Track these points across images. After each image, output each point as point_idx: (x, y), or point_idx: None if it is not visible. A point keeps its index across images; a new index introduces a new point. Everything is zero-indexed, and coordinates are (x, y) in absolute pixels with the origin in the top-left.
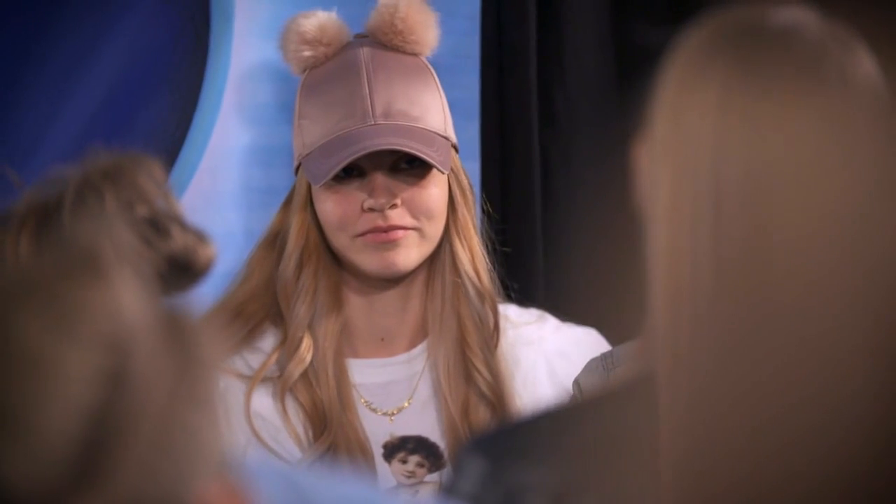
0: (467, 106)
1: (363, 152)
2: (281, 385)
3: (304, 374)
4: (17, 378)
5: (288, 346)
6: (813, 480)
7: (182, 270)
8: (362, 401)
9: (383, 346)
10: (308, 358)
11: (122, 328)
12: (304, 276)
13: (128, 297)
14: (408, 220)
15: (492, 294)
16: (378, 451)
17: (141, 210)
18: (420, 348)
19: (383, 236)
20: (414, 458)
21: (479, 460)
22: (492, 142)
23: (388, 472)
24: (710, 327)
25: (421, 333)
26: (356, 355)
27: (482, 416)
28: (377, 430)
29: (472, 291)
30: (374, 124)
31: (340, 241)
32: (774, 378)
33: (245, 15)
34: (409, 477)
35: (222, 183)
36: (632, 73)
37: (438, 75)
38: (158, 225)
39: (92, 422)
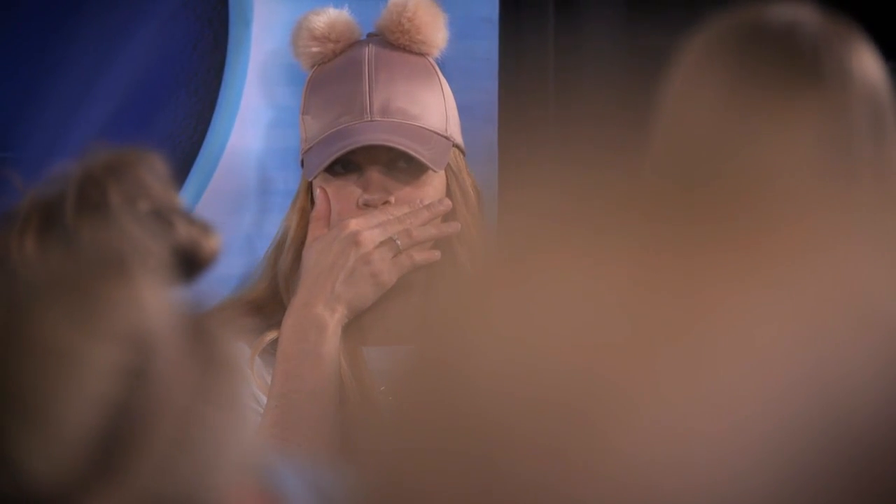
0: (486, 109)
1: (351, 147)
2: None
3: None
4: (38, 370)
5: None
6: None
7: (187, 262)
8: (376, 385)
9: (389, 335)
10: None
11: (146, 326)
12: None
13: (152, 296)
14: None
15: None
16: None
17: (144, 203)
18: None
19: None
20: None
21: None
22: (510, 145)
23: None
24: None
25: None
26: (365, 342)
27: None
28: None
29: None
30: (371, 120)
31: None
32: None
33: (263, 18)
34: None
35: (240, 185)
36: (649, 76)
37: (457, 78)
38: (163, 217)
39: (112, 416)
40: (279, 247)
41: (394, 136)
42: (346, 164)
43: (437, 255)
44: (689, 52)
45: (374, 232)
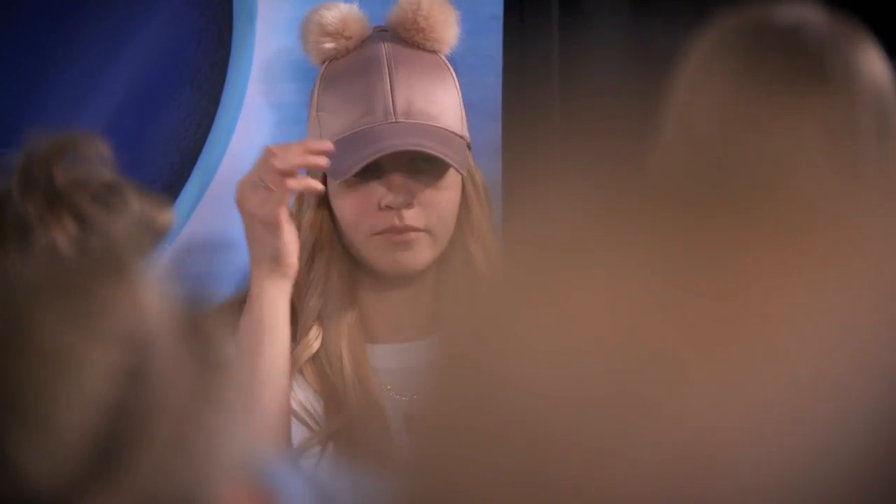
0: (490, 106)
1: (388, 151)
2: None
3: (316, 361)
4: (36, 371)
5: (299, 336)
6: None
7: (142, 235)
8: (382, 384)
9: (397, 333)
10: (315, 345)
11: (144, 327)
12: (315, 268)
13: (151, 296)
14: (422, 222)
15: None
16: (401, 421)
17: (94, 182)
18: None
19: (398, 237)
20: None
21: None
22: (514, 142)
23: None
24: None
25: (433, 324)
26: (372, 341)
27: None
28: (396, 411)
29: None
30: (395, 122)
31: (356, 238)
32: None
33: (267, 14)
34: None
35: None
36: (654, 73)
37: (461, 74)
38: (115, 193)
39: (110, 418)
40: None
41: (423, 140)
42: (366, 166)
43: (317, 184)
44: (695, 51)
45: (244, 184)
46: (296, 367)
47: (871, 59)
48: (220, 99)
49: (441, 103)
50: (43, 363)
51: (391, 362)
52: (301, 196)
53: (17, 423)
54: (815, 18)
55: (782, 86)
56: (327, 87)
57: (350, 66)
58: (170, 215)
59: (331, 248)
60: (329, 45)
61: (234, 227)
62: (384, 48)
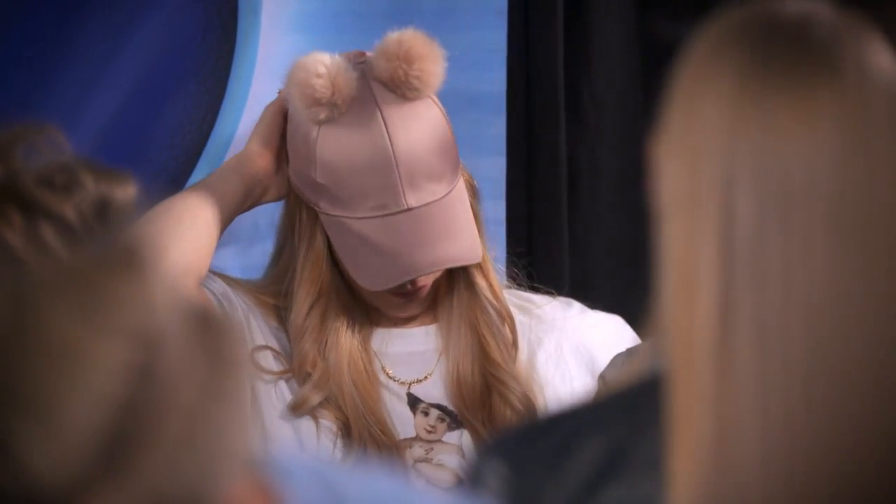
0: (494, 101)
1: (419, 274)
2: (295, 404)
3: (328, 398)
4: (45, 367)
5: (313, 378)
6: (829, 475)
7: (103, 213)
8: (383, 370)
9: (398, 321)
10: (326, 387)
11: (155, 323)
12: (326, 321)
13: (161, 292)
14: (431, 276)
15: (510, 313)
16: (403, 399)
17: (40, 167)
18: (435, 327)
19: (414, 295)
20: (435, 412)
21: (500, 466)
22: (518, 137)
23: (410, 422)
24: (723, 319)
25: (431, 313)
26: (375, 325)
27: (504, 415)
28: (396, 394)
29: (493, 313)
30: (408, 209)
31: (368, 295)
32: (794, 372)
33: (272, 8)
34: (429, 432)
35: None
36: (658, 69)
37: (465, 69)
38: (65, 173)
39: (118, 415)
40: (285, 284)
41: (447, 245)
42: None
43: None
44: (701, 44)
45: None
46: (306, 407)
47: (881, 55)
48: (225, 93)
49: (439, 162)
50: (51, 359)
51: (392, 346)
52: (291, 220)
53: (25, 420)
54: (823, 12)
55: (791, 81)
56: (327, 153)
57: (348, 136)
58: (130, 189)
59: (336, 299)
60: (324, 116)
61: (237, 220)
62: (379, 112)
